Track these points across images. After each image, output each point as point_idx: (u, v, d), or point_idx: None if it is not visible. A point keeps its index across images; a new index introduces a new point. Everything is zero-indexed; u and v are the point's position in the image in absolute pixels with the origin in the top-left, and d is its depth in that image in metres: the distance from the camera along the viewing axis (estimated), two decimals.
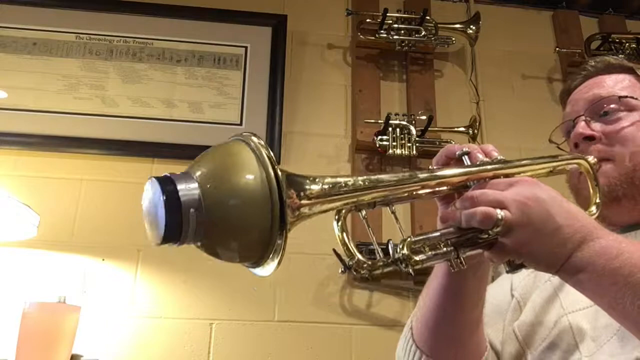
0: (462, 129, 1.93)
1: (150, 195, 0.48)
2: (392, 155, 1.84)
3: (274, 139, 1.87)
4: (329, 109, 1.99)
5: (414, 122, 1.88)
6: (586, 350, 0.75)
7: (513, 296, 0.91)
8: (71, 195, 1.75)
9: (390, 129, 1.84)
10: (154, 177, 0.48)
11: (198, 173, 0.48)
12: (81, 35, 1.94)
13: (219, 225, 0.48)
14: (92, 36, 1.94)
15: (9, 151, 1.77)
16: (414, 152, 1.84)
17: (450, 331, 0.80)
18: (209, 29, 2.00)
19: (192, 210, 0.46)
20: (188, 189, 0.47)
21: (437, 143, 1.87)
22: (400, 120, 1.87)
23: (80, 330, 1.43)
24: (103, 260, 1.69)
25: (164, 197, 0.46)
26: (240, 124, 1.89)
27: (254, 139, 0.50)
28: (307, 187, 0.53)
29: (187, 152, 1.81)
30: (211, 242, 0.49)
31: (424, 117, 1.88)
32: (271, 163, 0.48)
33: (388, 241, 0.60)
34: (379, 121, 1.86)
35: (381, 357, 1.70)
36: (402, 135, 1.85)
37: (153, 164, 1.82)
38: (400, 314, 1.75)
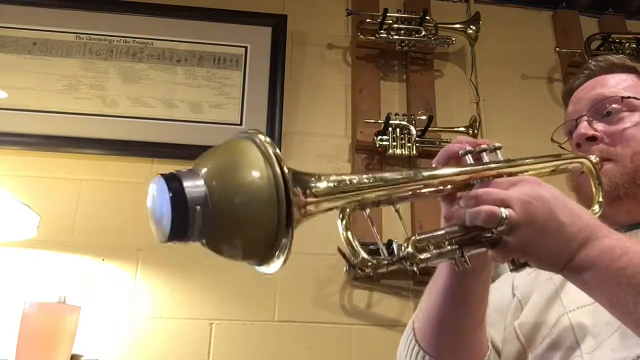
0: (462, 129, 1.93)
1: (156, 192, 0.48)
2: (392, 155, 1.84)
3: (274, 139, 1.86)
4: (329, 109, 1.99)
5: (414, 122, 1.88)
6: (587, 347, 0.75)
7: (514, 295, 0.91)
8: (71, 195, 1.75)
9: (390, 129, 1.84)
10: (160, 174, 0.47)
11: (204, 170, 0.48)
12: (81, 35, 1.94)
13: (225, 223, 0.47)
14: (92, 36, 1.94)
15: (9, 151, 1.77)
16: (414, 152, 1.84)
17: (453, 332, 0.80)
18: (209, 29, 2.00)
19: (197, 207, 0.46)
20: (194, 186, 0.47)
21: (437, 143, 1.87)
22: (400, 120, 1.87)
23: (80, 330, 1.42)
24: (103, 260, 1.69)
25: (170, 194, 0.46)
26: (240, 124, 1.89)
27: (260, 136, 0.49)
28: (313, 184, 0.53)
29: (187, 152, 1.80)
30: (216, 239, 0.49)
31: (424, 117, 1.88)
32: (277, 160, 0.48)
33: (390, 241, 0.60)
34: (379, 121, 1.86)
35: (381, 357, 1.70)
36: (402, 135, 1.85)
37: (153, 164, 1.82)
38: (400, 314, 1.75)
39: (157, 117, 1.87)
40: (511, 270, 0.65)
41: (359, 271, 0.59)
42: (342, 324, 1.73)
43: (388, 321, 1.75)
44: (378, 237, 0.62)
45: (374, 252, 0.59)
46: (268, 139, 0.49)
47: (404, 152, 1.84)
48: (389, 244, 1.67)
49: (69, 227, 1.71)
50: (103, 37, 1.94)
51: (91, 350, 1.53)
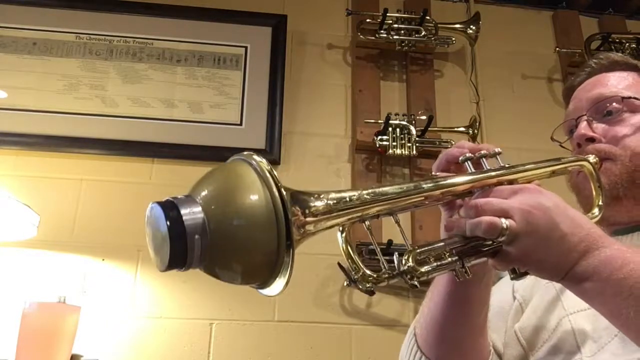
0: (462, 129, 1.93)
1: (153, 221, 0.47)
2: (392, 155, 1.84)
3: (274, 139, 1.87)
4: (329, 109, 1.99)
5: (414, 122, 1.88)
6: (588, 351, 0.75)
7: (515, 298, 0.91)
8: (71, 195, 1.75)
9: (390, 129, 1.84)
10: (156, 202, 0.47)
11: (201, 195, 0.47)
12: (81, 35, 1.94)
13: (225, 249, 0.47)
14: (92, 36, 1.94)
15: (9, 151, 1.77)
16: (414, 152, 1.84)
17: (455, 337, 0.80)
18: (209, 29, 2.00)
19: (196, 236, 0.46)
20: (192, 213, 0.46)
21: (437, 143, 1.87)
22: (400, 120, 1.87)
23: (80, 330, 1.43)
24: (103, 260, 1.69)
25: (168, 224, 0.45)
26: (240, 124, 1.89)
27: (256, 157, 0.49)
28: (312, 204, 0.52)
29: (187, 152, 1.81)
30: (217, 265, 0.48)
31: (424, 117, 1.88)
32: (274, 182, 0.47)
33: (390, 241, 0.60)
34: (379, 121, 1.86)
35: (381, 357, 1.70)
36: (402, 135, 1.85)
37: (153, 164, 1.82)
38: (400, 313, 1.75)
39: (157, 117, 1.87)
40: (511, 279, 0.65)
41: (359, 287, 0.58)
42: (342, 324, 1.73)
43: (388, 321, 1.75)
44: (379, 249, 0.62)
45: (369, 253, 0.58)
46: (264, 160, 0.49)
47: (404, 152, 1.83)
48: (389, 245, 1.65)
49: (69, 227, 1.71)
50: (103, 37, 1.94)
51: (91, 350, 1.53)
